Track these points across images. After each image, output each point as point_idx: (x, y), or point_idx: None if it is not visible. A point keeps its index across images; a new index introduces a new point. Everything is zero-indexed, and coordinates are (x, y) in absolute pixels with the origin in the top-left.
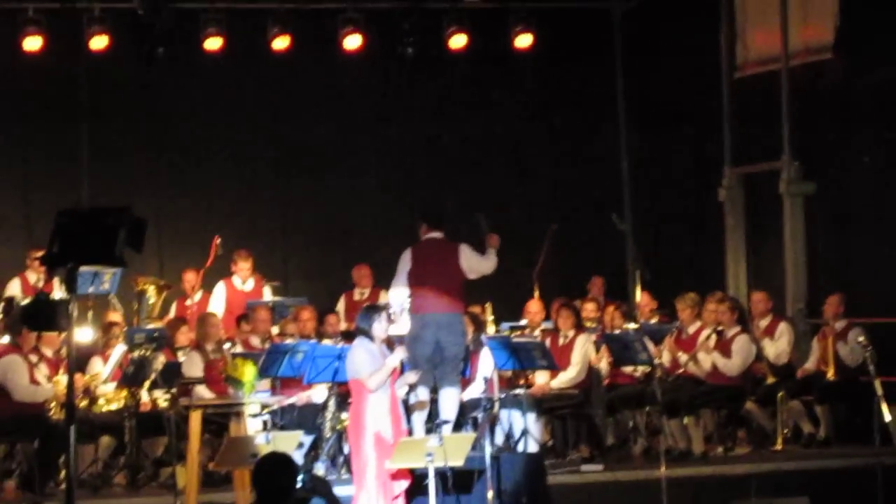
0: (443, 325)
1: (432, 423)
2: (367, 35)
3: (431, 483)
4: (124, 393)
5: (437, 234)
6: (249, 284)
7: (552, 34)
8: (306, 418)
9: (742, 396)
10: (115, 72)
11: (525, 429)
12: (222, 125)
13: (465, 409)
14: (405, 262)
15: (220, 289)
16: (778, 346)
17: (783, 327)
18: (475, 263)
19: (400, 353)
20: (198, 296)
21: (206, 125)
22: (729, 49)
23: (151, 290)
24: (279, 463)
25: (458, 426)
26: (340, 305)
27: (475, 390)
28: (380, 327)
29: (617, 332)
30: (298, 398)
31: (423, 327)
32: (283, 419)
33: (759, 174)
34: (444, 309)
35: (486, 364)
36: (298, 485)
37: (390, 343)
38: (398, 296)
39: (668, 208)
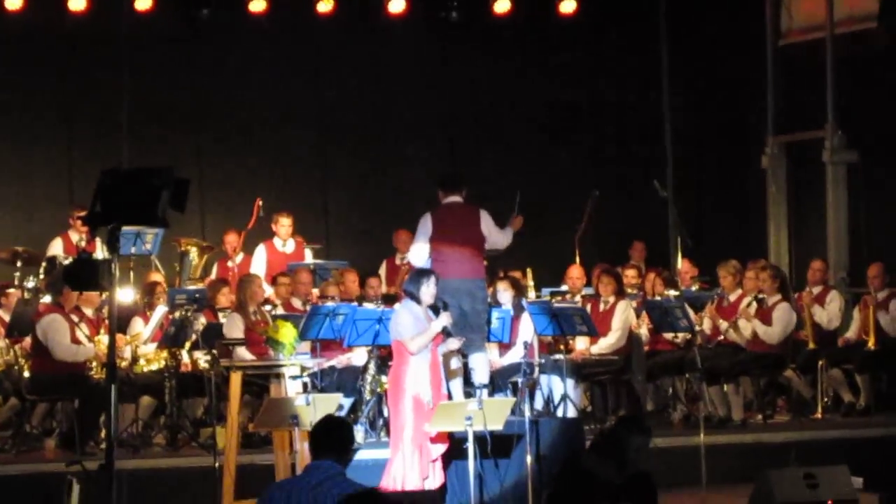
0: (465, 292)
1: (470, 388)
2: None
3: (471, 447)
4: (165, 353)
5: (456, 198)
6: (290, 246)
7: (596, 0)
8: (346, 381)
9: (782, 364)
10: (158, 33)
11: (564, 394)
12: (265, 88)
13: (504, 374)
14: (425, 226)
15: (260, 250)
16: (830, 311)
17: (834, 294)
18: (494, 232)
19: (444, 319)
20: (239, 257)
21: (249, 87)
22: (774, 16)
23: (193, 252)
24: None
25: (492, 391)
26: (382, 270)
27: (515, 355)
28: (427, 291)
29: (658, 298)
30: (339, 361)
31: (445, 293)
32: (323, 381)
33: (803, 142)
34: (467, 274)
35: (527, 329)
36: None
37: (435, 308)
38: (419, 254)
39: (711, 176)
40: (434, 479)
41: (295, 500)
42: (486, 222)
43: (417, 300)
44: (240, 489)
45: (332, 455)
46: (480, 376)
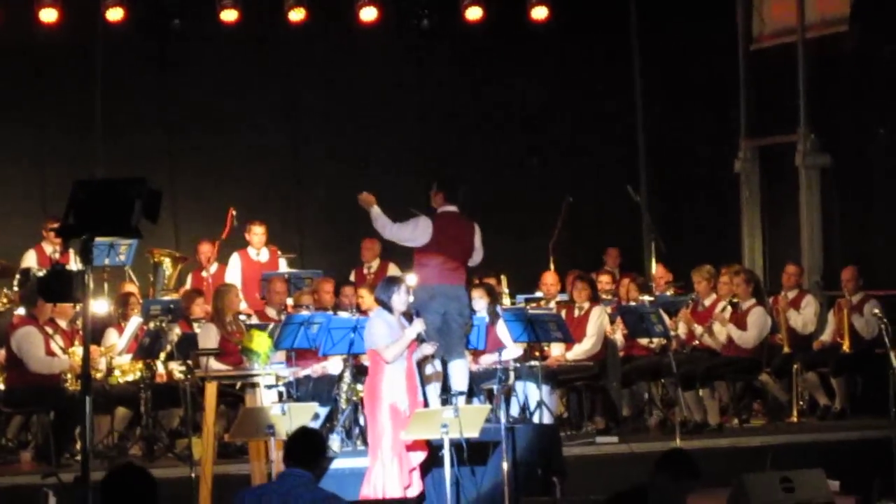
0: (451, 297)
1: (447, 395)
2: (382, 7)
3: (447, 454)
4: (140, 364)
5: (453, 208)
6: (264, 255)
7: (568, 6)
8: (322, 390)
9: (757, 368)
10: (130, 43)
11: (540, 400)
12: (238, 97)
13: (478, 380)
14: (424, 231)
15: (235, 260)
16: (805, 316)
17: (809, 298)
18: (479, 247)
19: (418, 326)
20: (213, 267)
21: (222, 97)
22: (745, 21)
23: (167, 262)
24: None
25: (469, 397)
26: (352, 279)
27: (490, 361)
28: (399, 299)
29: (632, 304)
30: (314, 370)
31: (432, 298)
32: (298, 391)
33: (776, 146)
34: (452, 281)
35: (506, 336)
36: None
37: (409, 315)
38: (393, 235)
39: (684, 180)
40: (414, 488)
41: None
42: (478, 238)
43: (390, 308)
44: (216, 499)
45: (303, 464)
46: (459, 383)
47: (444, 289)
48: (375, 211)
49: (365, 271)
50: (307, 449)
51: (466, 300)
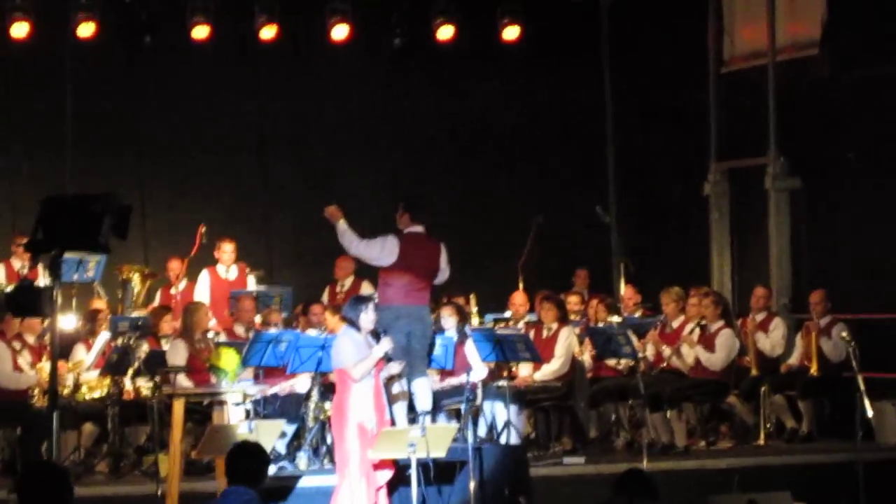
0: (416, 317)
1: (414, 414)
2: (354, 25)
3: (413, 474)
4: (107, 381)
5: (419, 229)
6: (233, 273)
7: (540, 26)
8: (289, 408)
9: (725, 391)
10: (101, 59)
11: (508, 421)
12: (208, 114)
13: (443, 397)
14: (390, 251)
15: (204, 277)
16: (773, 339)
17: (777, 321)
18: (445, 266)
19: (386, 344)
20: (182, 284)
21: (192, 114)
22: (716, 43)
23: (136, 279)
24: (252, 448)
25: (433, 414)
26: (325, 297)
27: (456, 382)
28: (366, 318)
29: (601, 325)
30: (281, 388)
31: (397, 318)
32: (266, 408)
33: (745, 169)
34: (416, 301)
35: (474, 356)
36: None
37: (376, 334)
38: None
39: (654, 202)
40: None
41: None
42: (444, 257)
43: (357, 327)
44: None
45: (246, 481)
46: (423, 402)
47: (408, 310)
48: (342, 226)
49: (338, 289)
50: (249, 463)
51: (430, 321)
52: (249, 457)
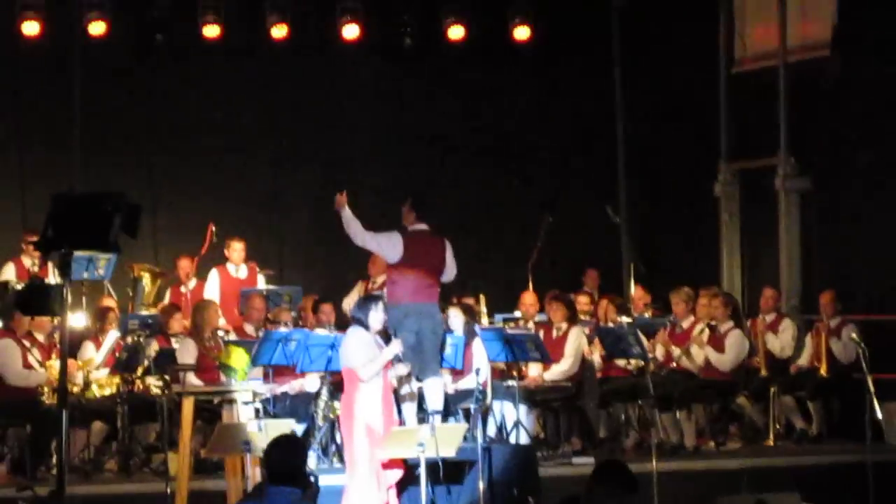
0: (425, 315)
1: (423, 414)
2: (365, 25)
3: (423, 473)
4: (117, 379)
5: (423, 226)
6: (243, 272)
7: (550, 27)
8: (299, 407)
9: (734, 391)
10: (111, 57)
11: (517, 420)
12: (219, 113)
13: (457, 400)
14: (395, 247)
15: (213, 276)
16: (783, 339)
17: (787, 322)
18: (451, 263)
19: (396, 346)
20: (192, 283)
21: (203, 113)
22: (727, 44)
23: (146, 278)
24: (292, 444)
25: (446, 416)
26: (358, 293)
27: (468, 381)
28: (376, 318)
29: (610, 325)
30: (291, 387)
31: (406, 316)
32: (275, 407)
33: (756, 170)
34: (425, 299)
35: (480, 355)
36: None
37: (386, 334)
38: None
39: (664, 202)
40: None
41: None
42: (450, 254)
43: (366, 326)
44: None
45: (290, 480)
46: (434, 402)
47: (417, 307)
48: (347, 214)
49: (370, 286)
50: (293, 461)
51: (440, 318)
52: (291, 453)
